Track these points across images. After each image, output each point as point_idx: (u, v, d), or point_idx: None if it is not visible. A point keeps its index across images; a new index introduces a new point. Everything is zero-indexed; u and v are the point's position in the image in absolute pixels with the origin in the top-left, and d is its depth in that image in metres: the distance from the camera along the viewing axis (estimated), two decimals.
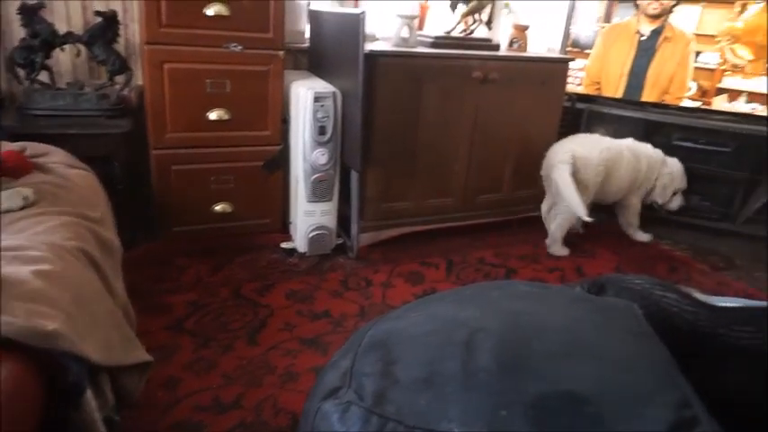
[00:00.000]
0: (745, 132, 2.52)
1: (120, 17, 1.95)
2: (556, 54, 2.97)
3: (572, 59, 2.65)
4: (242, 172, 2.09)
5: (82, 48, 1.94)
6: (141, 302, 1.69)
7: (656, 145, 2.56)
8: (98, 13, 1.88)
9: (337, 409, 0.86)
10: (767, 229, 2.58)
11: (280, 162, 2.13)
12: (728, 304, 1.65)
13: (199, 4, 1.81)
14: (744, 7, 2.50)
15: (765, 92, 2.53)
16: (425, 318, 1.04)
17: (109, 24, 1.88)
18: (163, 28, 1.80)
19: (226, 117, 1.97)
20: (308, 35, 2.44)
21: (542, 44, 3.12)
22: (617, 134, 2.60)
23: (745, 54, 2.55)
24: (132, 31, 2.21)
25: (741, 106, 2.61)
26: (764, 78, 2.53)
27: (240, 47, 1.87)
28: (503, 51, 2.51)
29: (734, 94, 2.62)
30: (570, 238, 2.47)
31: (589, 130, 2.85)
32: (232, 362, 1.54)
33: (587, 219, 2.20)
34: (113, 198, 1.52)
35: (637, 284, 1.46)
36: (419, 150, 2.26)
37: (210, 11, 1.82)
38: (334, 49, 2.09)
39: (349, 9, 2.45)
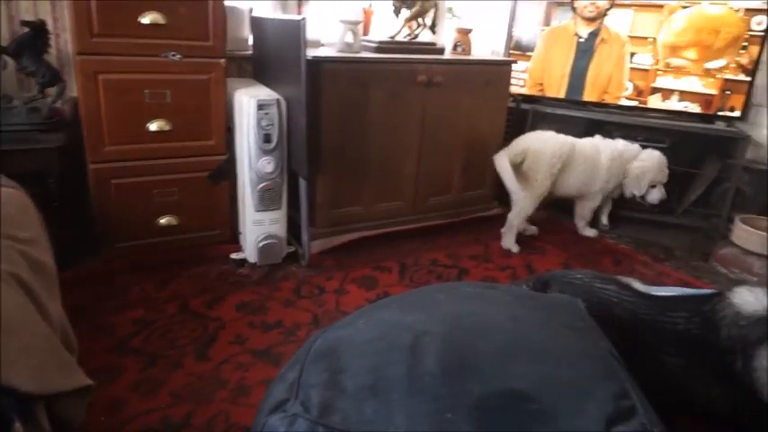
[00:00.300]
0: (680, 129, 2.65)
1: (50, 26, 1.88)
2: (499, 57, 3.04)
3: (515, 62, 2.71)
4: (187, 183, 2.03)
5: (9, 59, 1.85)
6: (84, 324, 1.63)
7: None
8: (25, 23, 1.79)
9: (283, 422, 0.85)
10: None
11: (226, 172, 2.09)
12: (665, 293, 1.72)
13: (133, 13, 1.75)
14: (672, 11, 2.63)
15: (695, 90, 2.66)
16: (372, 324, 1.04)
17: (37, 34, 1.80)
18: (95, 38, 1.73)
19: (167, 128, 1.91)
20: (251, 42, 2.40)
21: (486, 47, 3.19)
22: (562, 133, 2.68)
23: (691, 55, 2.67)
24: (64, 40, 2.12)
25: (674, 104, 2.73)
26: (694, 78, 2.66)
27: (179, 56, 1.83)
28: (447, 55, 2.55)
29: (667, 93, 2.75)
30: (522, 238, 2.53)
31: (534, 129, 2.92)
32: (181, 379, 1.49)
33: (517, 193, 2.39)
34: (49, 216, 1.46)
35: (578, 279, 1.51)
36: (368, 155, 2.26)
37: (146, 19, 1.77)
38: (277, 56, 2.07)
39: (290, 15, 2.43)
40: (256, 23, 2.27)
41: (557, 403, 0.80)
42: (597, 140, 2.60)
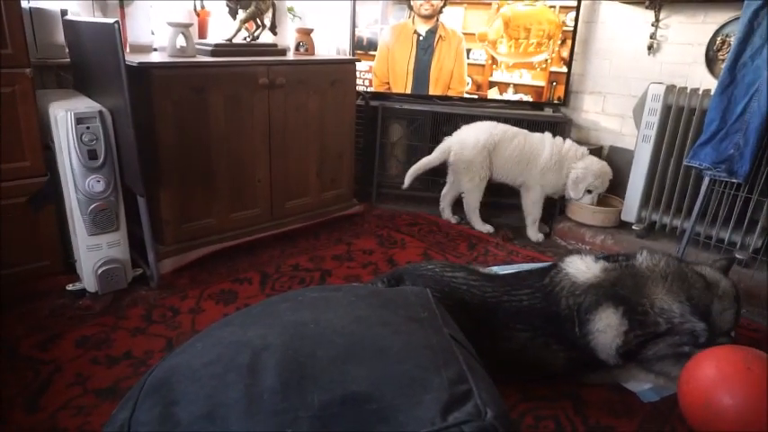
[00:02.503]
0: (516, 117, 2.86)
1: None
2: (346, 55, 3.06)
3: (358, 60, 2.74)
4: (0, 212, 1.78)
5: None
6: None
7: (446, 133, 2.77)
8: None
9: None
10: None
11: (49, 195, 1.86)
12: (510, 271, 1.83)
13: None
14: (500, 6, 2.82)
15: (527, 83, 2.90)
16: (210, 346, 0.98)
17: None
18: None
19: None
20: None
21: (332, 46, 3.20)
22: (412, 126, 2.78)
23: (504, 50, 2.89)
24: None
25: (511, 96, 2.95)
26: (524, 71, 2.89)
27: None
28: (290, 56, 2.50)
29: (503, 86, 2.95)
30: (380, 234, 2.57)
31: (385, 125, 3.00)
32: None
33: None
34: None
35: (428, 271, 1.55)
36: (216, 164, 2.15)
37: None
38: (96, 64, 1.88)
39: (104, 18, 2.21)
40: (70, 28, 2.04)
41: (396, 399, 0.80)
42: (546, 136, 2.65)
